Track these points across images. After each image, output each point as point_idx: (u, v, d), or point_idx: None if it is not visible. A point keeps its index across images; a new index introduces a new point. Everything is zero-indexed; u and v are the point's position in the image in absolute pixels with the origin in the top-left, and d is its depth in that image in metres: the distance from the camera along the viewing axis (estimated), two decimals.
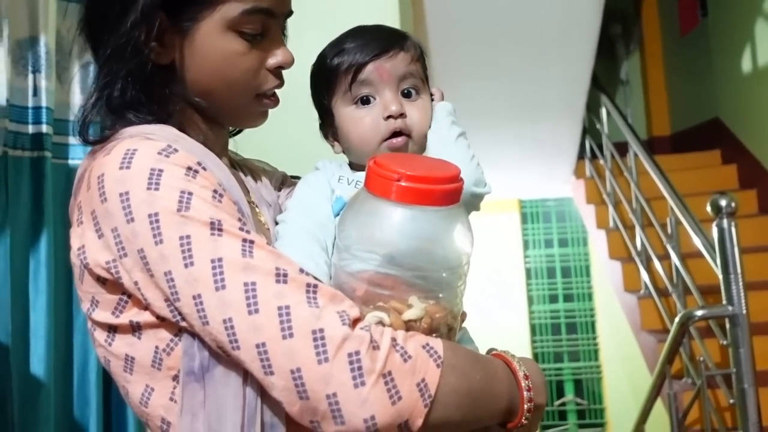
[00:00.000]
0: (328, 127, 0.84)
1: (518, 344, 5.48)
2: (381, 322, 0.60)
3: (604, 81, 4.21)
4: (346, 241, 0.63)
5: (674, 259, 2.75)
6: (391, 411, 0.56)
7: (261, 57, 0.73)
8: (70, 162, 1.46)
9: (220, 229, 0.60)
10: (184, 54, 0.71)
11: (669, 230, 2.82)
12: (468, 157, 0.77)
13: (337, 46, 0.81)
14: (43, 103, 1.36)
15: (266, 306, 0.58)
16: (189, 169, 0.63)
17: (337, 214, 0.75)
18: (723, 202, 2.09)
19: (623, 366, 4.48)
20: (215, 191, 0.64)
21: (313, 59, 0.85)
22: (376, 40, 0.79)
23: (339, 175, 0.81)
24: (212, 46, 0.70)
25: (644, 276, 3.12)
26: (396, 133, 0.78)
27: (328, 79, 0.81)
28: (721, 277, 2.10)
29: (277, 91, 0.78)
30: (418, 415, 0.57)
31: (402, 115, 0.78)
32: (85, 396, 1.40)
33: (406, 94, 0.80)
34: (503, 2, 2.99)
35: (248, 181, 0.83)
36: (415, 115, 0.80)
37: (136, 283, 0.63)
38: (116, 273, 0.63)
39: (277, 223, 0.78)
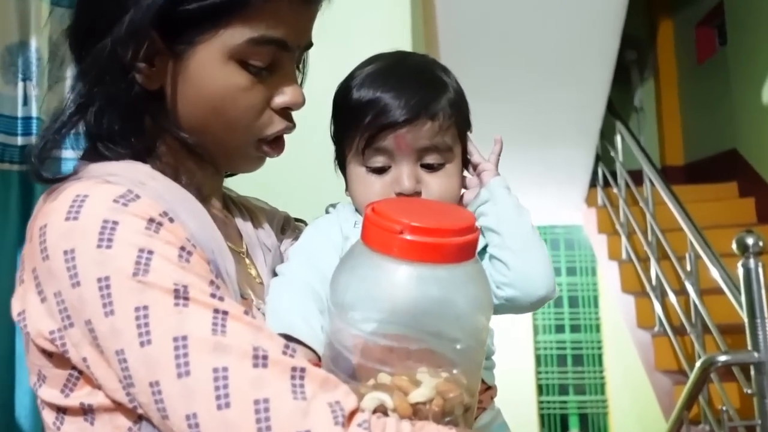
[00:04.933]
0: (342, 165, 0.74)
1: (523, 375, 5.33)
2: (382, 407, 0.48)
3: (617, 107, 4.11)
4: (340, 306, 0.51)
5: (693, 296, 2.61)
6: None
7: (266, 94, 0.62)
8: None
9: (185, 298, 0.50)
10: (177, 81, 0.60)
11: (688, 265, 2.68)
12: (546, 256, 0.67)
13: (363, 87, 0.69)
14: (34, 114, 1.31)
15: (240, 398, 0.47)
16: (151, 221, 0.53)
17: None
18: (750, 241, 1.96)
19: (631, 402, 4.32)
20: (182, 248, 0.53)
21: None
22: (404, 98, 0.66)
23: (354, 220, 0.70)
24: (209, 76, 0.59)
25: (659, 312, 2.98)
26: None
27: (344, 124, 0.70)
28: (746, 320, 1.97)
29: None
30: None
31: (417, 193, 0.68)
32: None
33: (428, 166, 0.69)
34: (519, 25, 2.90)
35: (242, 222, 0.72)
36: (434, 187, 0.68)
37: (84, 359, 0.52)
38: (62, 346, 0.53)
39: (276, 274, 0.67)
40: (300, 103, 0.64)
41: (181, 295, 0.50)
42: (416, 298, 0.49)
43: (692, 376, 2.08)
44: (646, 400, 3.26)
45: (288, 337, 0.56)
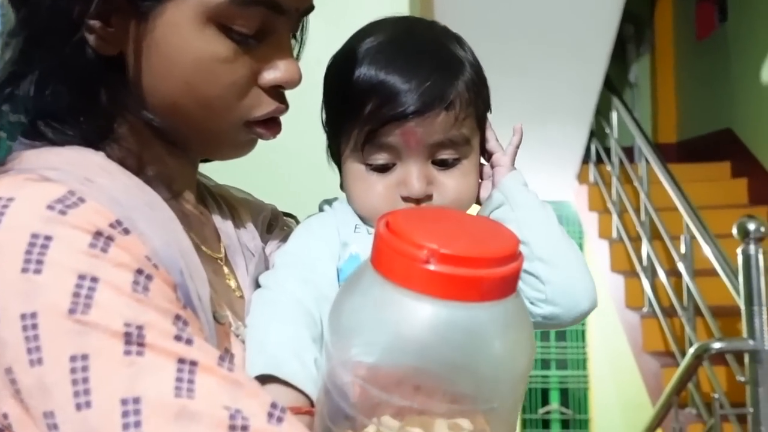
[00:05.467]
0: (336, 156, 0.63)
1: None
2: None
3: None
4: (341, 344, 0.40)
5: (686, 279, 2.57)
6: None
7: (253, 68, 0.50)
8: None
9: (140, 344, 0.38)
10: (140, 48, 0.47)
11: (682, 247, 2.64)
12: (583, 262, 0.56)
13: (362, 66, 0.57)
14: None
15: None
16: (98, 235, 0.40)
17: None
18: (752, 226, 1.91)
19: (613, 379, 4.33)
20: (139, 271, 0.40)
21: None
22: (413, 83, 0.55)
23: (355, 224, 0.59)
24: (181, 42, 0.47)
25: (649, 293, 2.95)
26: None
27: (340, 112, 0.59)
28: (743, 307, 1.93)
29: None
30: None
31: (428, 196, 0.57)
32: None
33: (441, 162, 0.58)
34: None
35: (221, 221, 0.60)
36: (449, 189, 0.58)
37: (5, 415, 0.40)
38: None
39: (259, 285, 0.55)
40: (295, 81, 0.52)
41: (134, 339, 0.38)
42: (443, 345, 0.38)
43: (684, 362, 2.04)
44: (628, 375, 3.26)
45: (276, 378, 0.46)
